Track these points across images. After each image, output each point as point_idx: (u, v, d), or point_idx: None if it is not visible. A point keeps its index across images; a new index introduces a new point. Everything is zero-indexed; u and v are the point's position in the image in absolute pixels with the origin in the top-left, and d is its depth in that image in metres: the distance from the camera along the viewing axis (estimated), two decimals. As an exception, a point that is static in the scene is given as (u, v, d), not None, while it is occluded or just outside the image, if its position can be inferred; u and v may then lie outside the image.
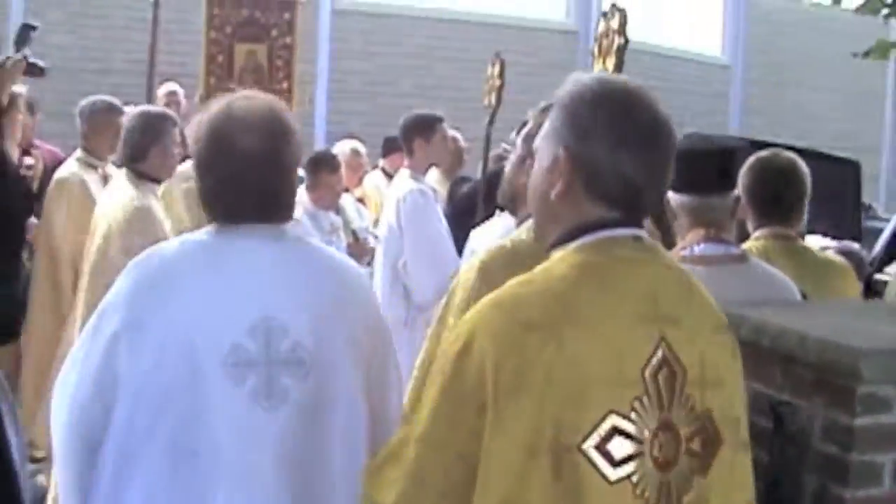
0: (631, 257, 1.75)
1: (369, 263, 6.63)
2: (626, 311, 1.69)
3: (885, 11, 5.38)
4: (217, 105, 2.29)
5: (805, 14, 16.59)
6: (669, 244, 3.06)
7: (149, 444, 2.09)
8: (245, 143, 2.20)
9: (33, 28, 5.95)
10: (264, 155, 2.21)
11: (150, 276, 2.21)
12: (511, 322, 1.66)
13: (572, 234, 1.77)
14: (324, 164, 6.25)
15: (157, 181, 4.57)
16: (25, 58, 5.22)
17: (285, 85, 8.14)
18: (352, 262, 2.57)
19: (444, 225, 5.58)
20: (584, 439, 1.61)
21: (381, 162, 7.92)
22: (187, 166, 5.96)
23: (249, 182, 2.21)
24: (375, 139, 8.35)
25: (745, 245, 3.31)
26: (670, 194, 3.06)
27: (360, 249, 6.33)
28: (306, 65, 9.86)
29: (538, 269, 1.78)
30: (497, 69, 6.26)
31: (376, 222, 6.66)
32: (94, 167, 5.43)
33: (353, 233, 6.57)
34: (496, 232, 3.54)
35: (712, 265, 2.91)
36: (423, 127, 5.64)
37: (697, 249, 2.93)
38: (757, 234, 3.42)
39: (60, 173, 5.39)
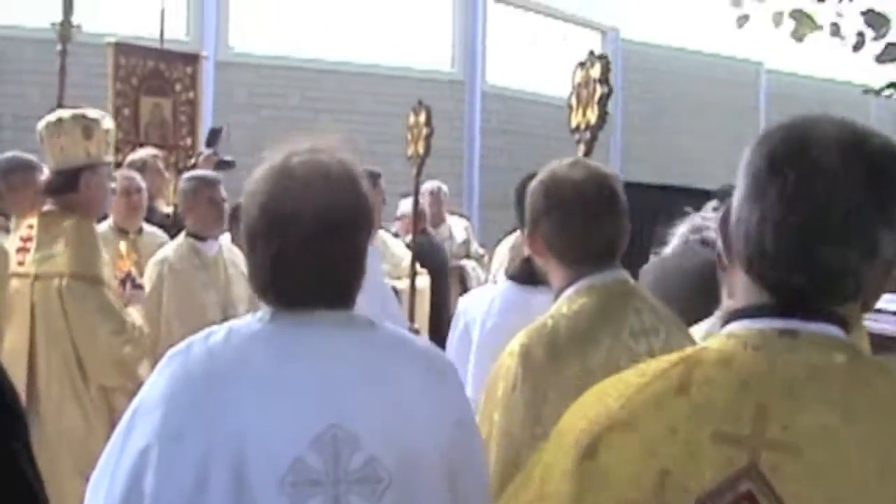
0: (754, 358, 1.35)
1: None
2: (696, 425, 1.32)
3: None
4: (271, 162, 1.91)
5: (682, 61, 17.06)
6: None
7: None
8: (308, 211, 1.83)
9: (219, 130, 7.68)
10: (331, 226, 1.85)
11: (192, 373, 1.85)
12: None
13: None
14: None
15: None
16: (216, 153, 6.20)
17: (189, 141, 7.87)
18: (437, 349, 2.16)
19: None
20: None
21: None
22: (103, 229, 5.67)
23: (312, 260, 1.85)
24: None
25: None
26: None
27: None
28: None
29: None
30: (423, 117, 6.08)
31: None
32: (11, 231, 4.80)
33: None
34: (487, 299, 3.34)
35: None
36: (373, 177, 5.40)
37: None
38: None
39: None
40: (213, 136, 7.48)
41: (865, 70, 19.66)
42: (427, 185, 8.39)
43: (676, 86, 17.12)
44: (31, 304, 4.08)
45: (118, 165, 7.03)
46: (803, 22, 5.33)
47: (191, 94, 7.86)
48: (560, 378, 2.23)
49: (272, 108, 12.81)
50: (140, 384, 3.91)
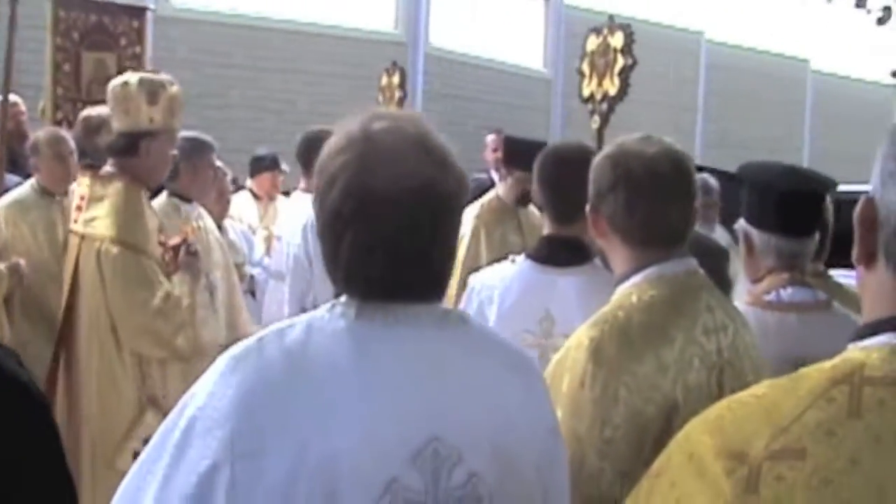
0: None
1: (254, 296, 6.08)
2: (879, 457, 1.12)
3: None
4: (346, 131, 1.60)
5: (624, 30, 16.97)
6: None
7: None
8: (403, 188, 1.54)
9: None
10: (430, 205, 1.56)
11: (269, 378, 1.53)
12: None
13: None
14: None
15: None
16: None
17: (136, 99, 7.45)
18: (518, 345, 1.95)
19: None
20: None
21: (249, 183, 7.30)
22: (25, 190, 5.30)
23: (408, 245, 1.56)
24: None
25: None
26: (753, 230, 2.76)
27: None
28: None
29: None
30: (397, 79, 5.81)
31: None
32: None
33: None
34: (505, 277, 3.08)
35: (804, 312, 2.64)
36: None
37: (785, 295, 2.66)
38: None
39: None
40: None
41: (803, 43, 19.81)
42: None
43: (620, 54, 17.03)
44: (76, 262, 4.06)
45: (58, 123, 6.67)
46: None
47: (137, 49, 7.41)
48: (633, 375, 2.06)
49: (215, 66, 12.40)
50: (178, 354, 3.95)
